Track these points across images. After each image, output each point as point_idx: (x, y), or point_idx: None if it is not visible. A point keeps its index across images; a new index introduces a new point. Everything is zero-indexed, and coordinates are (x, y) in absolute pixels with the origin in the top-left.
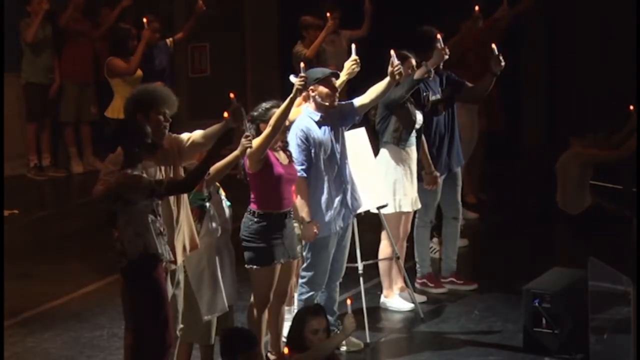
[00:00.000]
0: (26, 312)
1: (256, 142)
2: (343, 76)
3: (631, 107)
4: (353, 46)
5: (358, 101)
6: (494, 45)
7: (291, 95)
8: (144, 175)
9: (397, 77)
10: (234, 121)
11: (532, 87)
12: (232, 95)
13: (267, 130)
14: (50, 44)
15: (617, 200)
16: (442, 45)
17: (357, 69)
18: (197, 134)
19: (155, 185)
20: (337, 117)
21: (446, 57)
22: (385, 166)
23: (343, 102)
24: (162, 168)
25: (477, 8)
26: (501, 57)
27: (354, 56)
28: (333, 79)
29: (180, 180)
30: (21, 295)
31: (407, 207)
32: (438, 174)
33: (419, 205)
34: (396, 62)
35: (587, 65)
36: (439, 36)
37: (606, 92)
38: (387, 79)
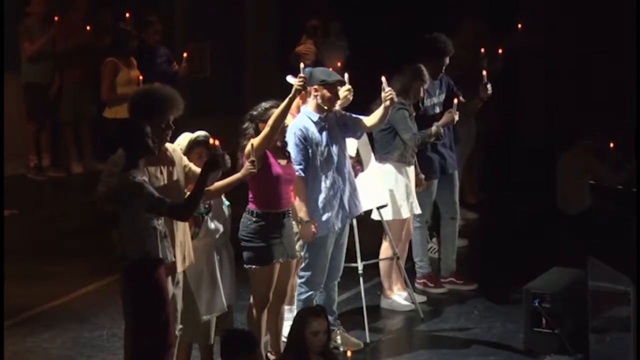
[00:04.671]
0: (26, 312)
1: (255, 141)
2: (337, 105)
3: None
4: (346, 75)
5: (363, 121)
6: (484, 72)
7: (290, 96)
8: (148, 185)
9: (388, 102)
10: (218, 168)
11: (530, 87)
12: (216, 143)
13: (266, 130)
14: (50, 46)
15: (617, 200)
16: (455, 110)
17: (350, 98)
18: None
19: (158, 202)
20: (337, 122)
21: (456, 120)
22: (394, 177)
23: (350, 114)
24: (164, 172)
25: (482, 50)
26: (489, 87)
27: (347, 85)
28: (338, 86)
29: (179, 207)
30: (21, 295)
31: (417, 209)
32: (423, 176)
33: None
34: (387, 88)
35: (586, 65)
36: (455, 101)
37: (605, 93)
38: (383, 105)
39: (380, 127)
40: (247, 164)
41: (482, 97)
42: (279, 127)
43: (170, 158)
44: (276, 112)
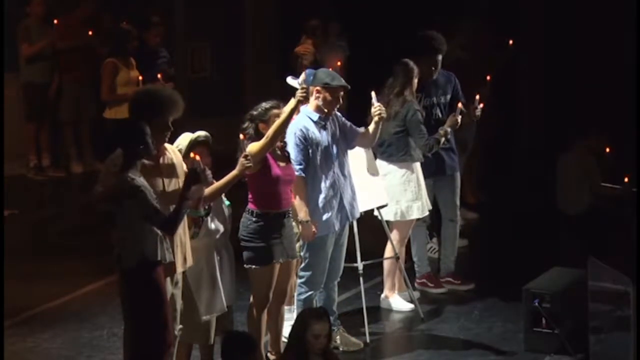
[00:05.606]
0: (26, 312)
1: (254, 147)
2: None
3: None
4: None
5: (360, 134)
6: (477, 97)
7: (292, 106)
8: (146, 190)
9: (377, 118)
10: (199, 182)
11: (530, 88)
12: (197, 157)
13: (265, 140)
14: (49, 47)
15: (617, 200)
16: (459, 113)
17: None
18: None
19: (152, 212)
20: (338, 125)
21: (458, 125)
22: (415, 178)
23: (350, 125)
24: (163, 174)
25: (478, 99)
26: (479, 109)
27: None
28: (340, 91)
29: (166, 223)
30: (21, 295)
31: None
32: None
33: None
34: (376, 103)
35: (584, 65)
36: (459, 105)
37: (604, 94)
38: (373, 121)
39: (395, 130)
40: (241, 160)
41: (473, 119)
42: (278, 138)
43: (170, 159)
44: (276, 123)
